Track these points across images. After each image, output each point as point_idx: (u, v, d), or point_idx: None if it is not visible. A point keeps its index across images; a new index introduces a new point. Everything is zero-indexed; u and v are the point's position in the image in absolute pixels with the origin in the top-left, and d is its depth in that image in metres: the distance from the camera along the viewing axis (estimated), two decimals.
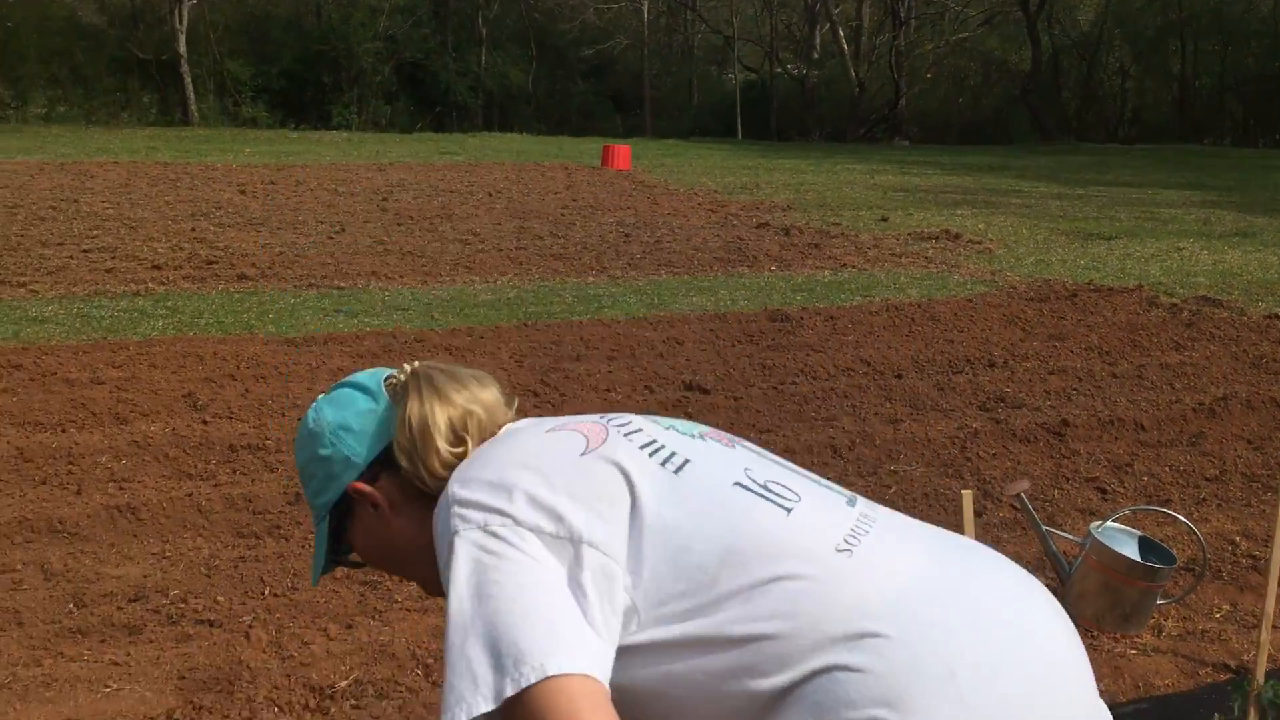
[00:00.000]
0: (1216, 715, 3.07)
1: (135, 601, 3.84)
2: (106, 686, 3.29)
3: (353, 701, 3.29)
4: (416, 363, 1.55)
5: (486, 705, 1.17)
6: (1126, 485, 5.14)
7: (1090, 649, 3.69)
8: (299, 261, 10.45)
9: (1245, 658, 3.61)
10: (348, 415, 1.50)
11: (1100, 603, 3.76)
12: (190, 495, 4.70)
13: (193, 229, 12.10)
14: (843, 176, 21.42)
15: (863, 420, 6.09)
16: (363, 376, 1.55)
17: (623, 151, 22.48)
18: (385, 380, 1.53)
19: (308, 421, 1.53)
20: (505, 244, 11.85)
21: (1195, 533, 3.92)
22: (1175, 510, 4.70)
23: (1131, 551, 3.81)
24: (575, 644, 1.20)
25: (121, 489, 4.79)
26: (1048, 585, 4.07)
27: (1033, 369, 7.05)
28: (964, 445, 5.68)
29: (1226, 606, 4.01)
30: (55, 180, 16.07)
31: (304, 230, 12.33)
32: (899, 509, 4.77)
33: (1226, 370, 7.07)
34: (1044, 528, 3.93)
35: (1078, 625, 3.83)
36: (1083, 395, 6.52)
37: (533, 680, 1.16)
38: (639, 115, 39.14)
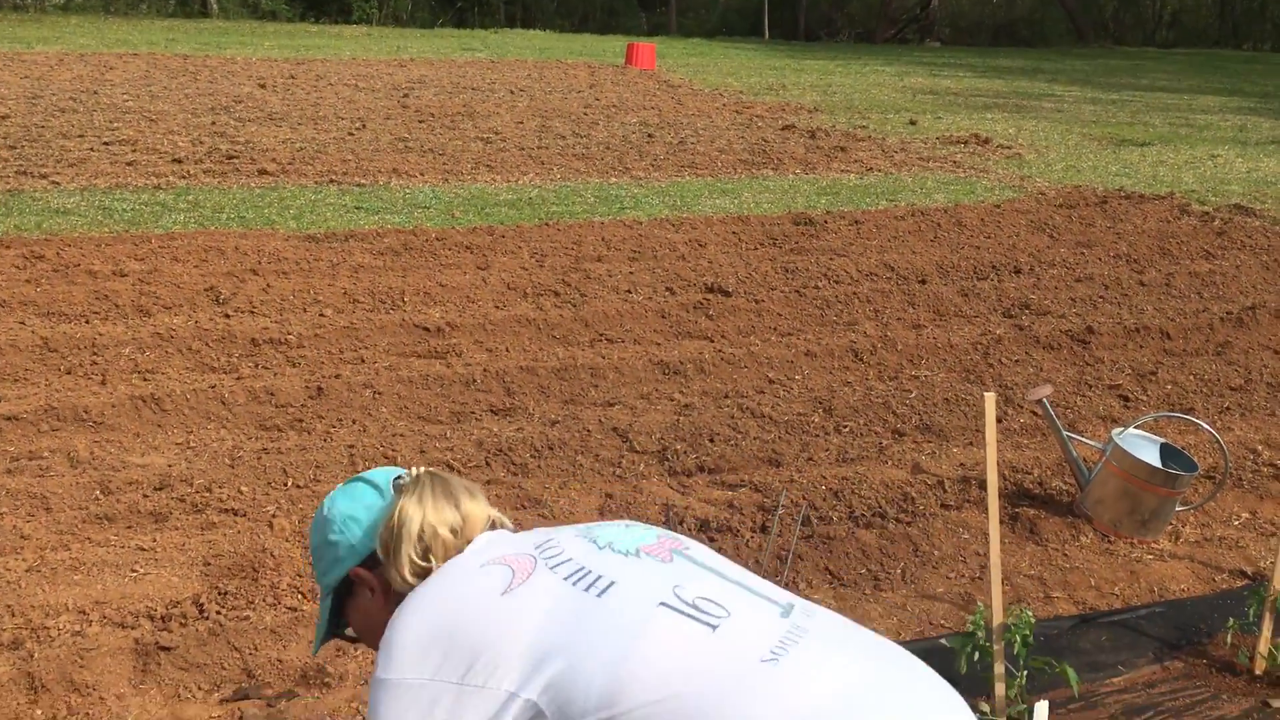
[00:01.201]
0: (1231, 620, 3.08)
1: (160, 490, 3.89)
2: (133, 571, 3.35)
3: None
4: (422, 468, 1.72)
5: None
6: (1150, 393, 5.10)
7: (1106, 554, 3.70)
8: (319, 157, 10.36)
9: (1263, 565, 3.62)
10: (357, 507, 1.70)
11: (1119, 508, 3.77)
12: (213, 387, 4.73)
13: (213, 123, 12.00)
14: (871, 78, 20.99)
15: (885, 325, 6.05)
16: (376, 473, 1.75)
17: (647, 50, 22.06)
18: (394, 480, 1.71)
19: (323, 509, 1.73)
20: (527, 143, 11.72)
21: (1218, 440, 3.91)
22: (1198, 418, 4.68)
23: (1152, 458, 3.81)
24: None
25: (145, 380, 4.83)
26: (1067, 490, 4.09)
27: (1059, 276, 6.97)
28: (987, 351, 5.65)
29: (1246, 514, 4.01)
30: (75, 71, 15.92)
31: (324, 126, 12.21)
32: (919, 413, 4.78)
33: (1256, 279, 6.97)
34: (1065, 433, 3.93)
35: (1094, 528, 3.84)
36: (1109, 303, 6.45)
37: None
38: (664, 13, 38.26)
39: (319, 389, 4.82)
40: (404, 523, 1.63)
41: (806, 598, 3.42)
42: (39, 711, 2.72)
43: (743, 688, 1.33)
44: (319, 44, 23.43)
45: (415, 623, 1.49)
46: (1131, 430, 3.88)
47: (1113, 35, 38.68)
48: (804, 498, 3.95)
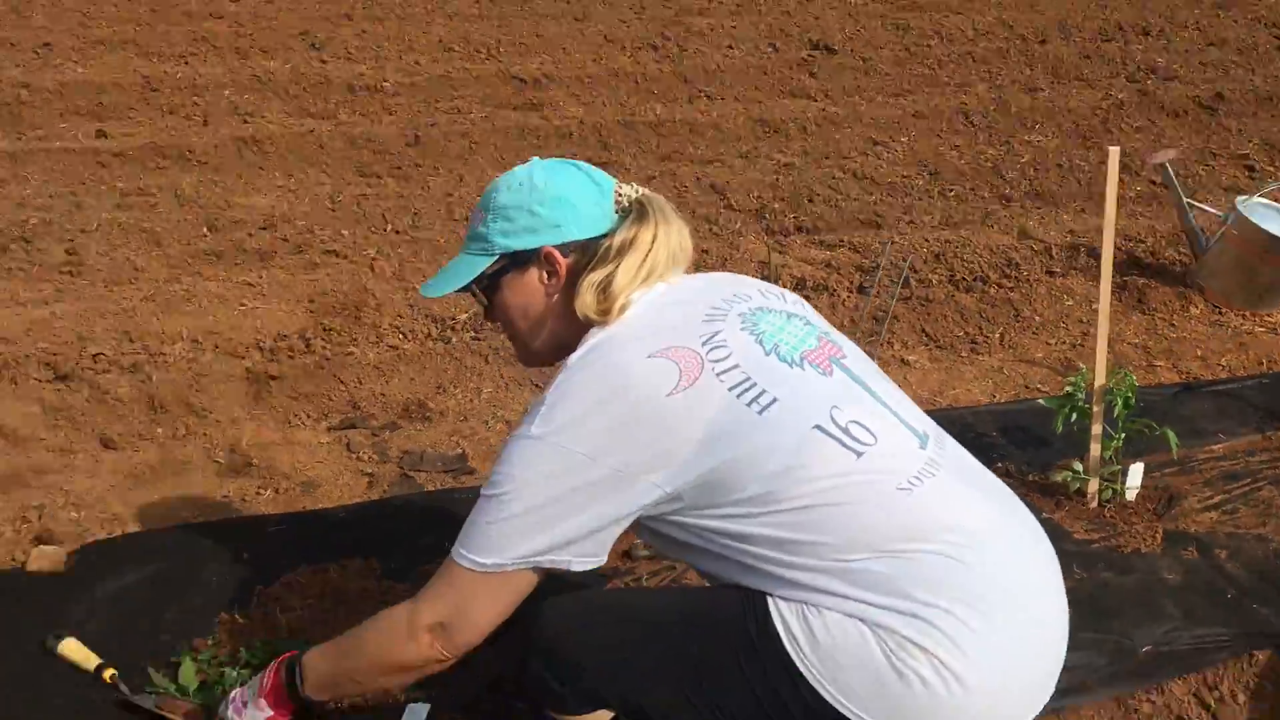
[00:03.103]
0: None
1: (265, 230, 3.96)
2: (242, 305, 3.45)
3: (472, 333, 3.40)
4: (646, 190, 1.68)
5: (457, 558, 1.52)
6: (1279, 164, 4.83)
7: (1215, 325, 3.60)
8: None
9: None
10: (574, 193, 1.63)
11: (1232, 279, 3.63)
12: (312, 132, 4.73)
13: None
14: None
15: (999, 88, 5.76)
16: (594, 170, 1.69)
17: None
18: (615, 188, 1.67)
19: (531, 176, 1.64)
20: None
21: None
22: None
23: (1276, 228, 3.63)
24: (500, 548, 1.49)
25: (246, 123, 4.84)
26: (1180, 261, 3.94)
27: (1190, 39, 6.52)
28: (1106, 117, 5.38)
29: None
30: None
31: None
32: (1029, 179, 4.60)
33: None
34: (1185, 200, 3.76)
35: (1205, 299, 3.74)
36: (1241, 69, 6.04)
37: (461, 563, 1.51)
38: None
39: (416, 137, 4.79)
40: (641, 247, 1.59)
41: (902, 359, 3.41)
42: (160, 430, 2.87)
43: (878, 511, 1.43)
44: None
45: (585, 397, 1.48)
46: (1257, 198, 3.69)
47: None
48: (903, 259, 3.88)
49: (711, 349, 1.51)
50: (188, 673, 1.96)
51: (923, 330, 3.55)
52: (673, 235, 1.64)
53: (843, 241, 4.07)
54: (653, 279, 1.60)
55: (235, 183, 4.33)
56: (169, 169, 4.39)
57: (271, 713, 1.71)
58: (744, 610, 1.47)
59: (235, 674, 1.95)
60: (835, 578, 1.41)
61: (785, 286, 3.75)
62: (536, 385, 3.18)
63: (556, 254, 1.62)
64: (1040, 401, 2.80)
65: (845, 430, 1.48)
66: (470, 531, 1.51)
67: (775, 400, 1.47)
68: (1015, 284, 3.77)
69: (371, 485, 2.71)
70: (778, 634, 1.43)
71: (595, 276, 1.59)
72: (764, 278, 3.75)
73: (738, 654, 1.45)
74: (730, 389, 1.47)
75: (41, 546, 2.35)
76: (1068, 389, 2.62)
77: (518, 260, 1.64)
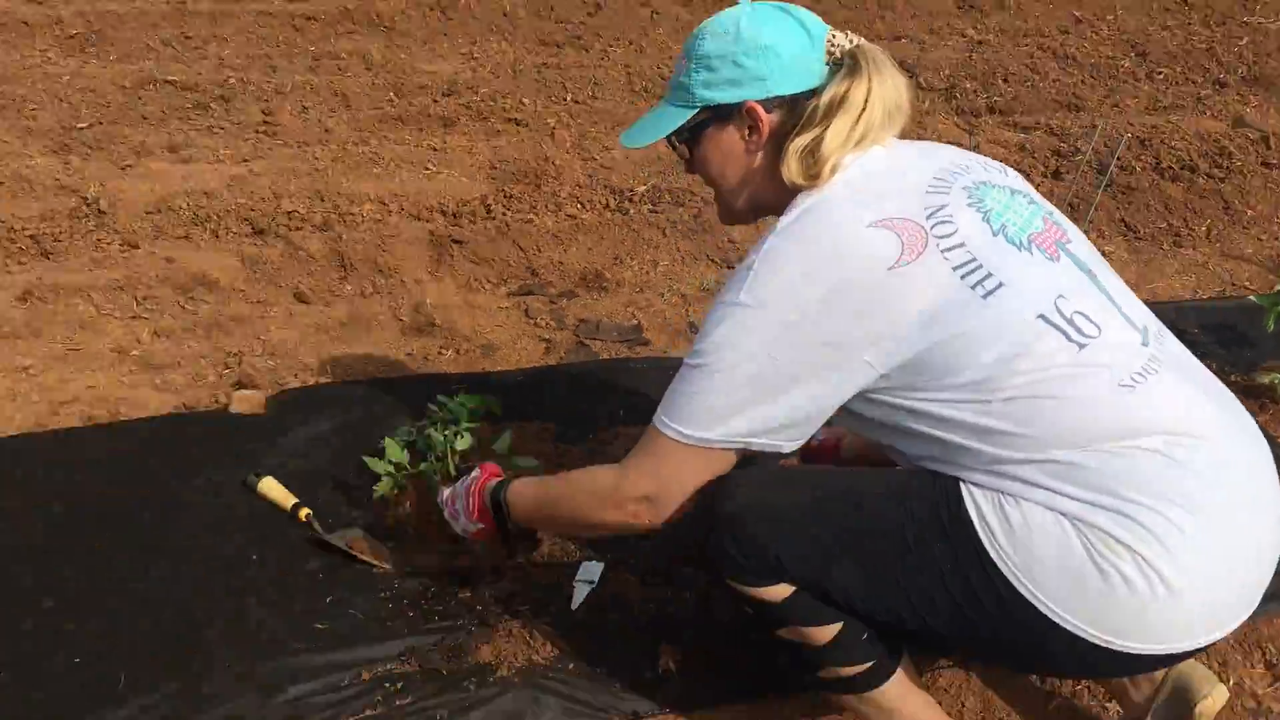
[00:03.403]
0: None
1: (448, 96, 3.99)
2: (426, 169, 3.50)
3: (650, 206, 3.38)
4: (861, 39, 1.54)
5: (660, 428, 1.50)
6: None
7: None
8: None
9: None
10: (782, 43, 1.51)
11: None
12: None
13: None
14: None
15: None
16: (807, 16, 1.55)
17: None
18: (828, 37, 1.53)
19: (739, 21, 1.53)
20: None
21: None
22: None
23: None
24: (709, 422, 1.46)
25: None
26: None
27: None
28: None
29: None
30: None
31: None
32: (1247, 63, 4.27)
33: None
34: None
35: None
36: None
37: (666, 433, 1.49)
38: None
39: (598, 6, 4.73)
40: (854, 106, 1.47)
41: (1099, 249, 3.25)
42: (349, 287, 2.97)
43: (1095, 407, 1.37)
44: None
45: (798, 263, 1.40)
46: None
47: None
48: (1105, 145, 3.66)
49: (936, 223, 1.41)
50: (394, 450, 2.06)
51: (1122, 220, 3.36)
52: (888, 91, 1.50)
53: (1039, 124, 3.87)
54: (866, 142, 1.48)
55: (420, 49, 4.37)
56: (357, 33, 4.46)
57: (482, 525, 1.79)
58: (934, 494, 1.43)
59: (441, 436, 2.04)
60: (1038, 469, 1.36)
61: None
62: (713, 260, 3.16)
63: (759, 110, 1.52)
64: (1251, 299, 2.63)
65: (1069, 321, 1.39)
66: (675, 401, 1.48)
67: (1001, 285, 1.39)
68: (1227, 175, 3.52)
69: (548, 351, 2.75)
70: (970, 520, 1.39)
71: (801, 140, 1.48)
72: None
73: (927, 538, 1.41)
74: (954, 268, 1.39)
75: (243, 390, 2.48)
76: None
77: (719, 114, 1.55)
